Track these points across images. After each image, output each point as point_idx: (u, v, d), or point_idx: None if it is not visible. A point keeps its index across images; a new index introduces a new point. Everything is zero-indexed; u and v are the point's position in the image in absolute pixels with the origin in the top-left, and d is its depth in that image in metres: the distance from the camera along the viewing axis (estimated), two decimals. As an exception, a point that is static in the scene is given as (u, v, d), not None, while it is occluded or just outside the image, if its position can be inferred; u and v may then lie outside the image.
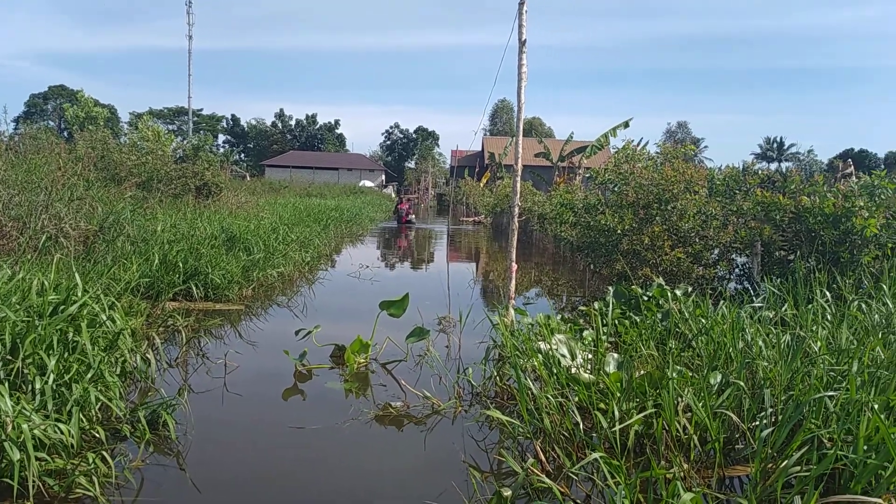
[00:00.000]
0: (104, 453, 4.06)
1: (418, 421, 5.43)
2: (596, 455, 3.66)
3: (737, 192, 10.21)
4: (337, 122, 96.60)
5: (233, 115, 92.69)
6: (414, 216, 33.84)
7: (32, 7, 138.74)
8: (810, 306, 6.21)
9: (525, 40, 7.56)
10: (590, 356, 5.66)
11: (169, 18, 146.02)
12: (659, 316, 6.91)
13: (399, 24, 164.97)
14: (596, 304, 7.15)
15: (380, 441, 5.09)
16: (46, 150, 12.14)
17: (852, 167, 13.66)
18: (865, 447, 3.57)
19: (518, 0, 7.54)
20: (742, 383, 4.51)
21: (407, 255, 20.72)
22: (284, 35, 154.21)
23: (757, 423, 4.20)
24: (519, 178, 7.93)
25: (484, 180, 47.00)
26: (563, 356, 5.53)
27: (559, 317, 7.26)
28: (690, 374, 4.92)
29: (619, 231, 9.78)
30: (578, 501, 3.88)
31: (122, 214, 10.43)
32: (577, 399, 4.83)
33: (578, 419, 4.51)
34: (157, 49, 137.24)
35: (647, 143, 17.02)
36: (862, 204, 8.10)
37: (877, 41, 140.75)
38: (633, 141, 12.17)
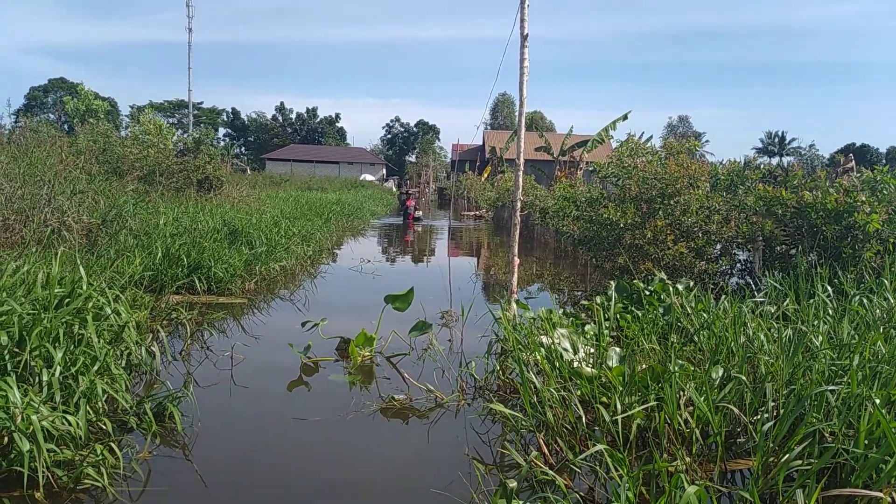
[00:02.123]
0: (112, 444, 4.10)
1: (421, 414, 5.46)
2: (600, 447, 3.70)
3: (739, 186, 10.22)
4: (338, 115, 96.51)
5: (233, 109, 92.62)
6: (421, 212, 33.56)
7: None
8: (812, 301, 6.24)
9: (527, 34, 7.56)
10: (592, 350, 5.69)
11: (169, 11, 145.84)
12: (661, 310, 6.94)
13: (400, 17, 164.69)
14: (598, 299, 7.18)
15: (384, 433, 5.13)
16: (48, 143, 12.14)
17: (853, 162, 13.67)
18: (867, 441, 3.60)
19: (521, -6, 7.53)
20: (744, 377, 4.54)
21: (409, 249, 20.74)
22: (285, 28, 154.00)
23: (758, 416, 4.22)
24: (521, 172, 7.94)
25: (485, 174, 47.03)
26: (566, 350, 5.56)
27: (561, 311, 7.29)
28: (692, 368, 4.95)
29: (621, 225, 9.80)
30: (581, 493, 3.91)
31: (125, 208, 10.46)
32: (579, 393, 4.86)
33: (581, 412, 4.55)
34: (157, 42, 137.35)
35: (651, 137, 17.07)
36: (864, 199, 8.11)
37: (878, 36, 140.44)
38: (635, 135, 12.15)
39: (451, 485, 4.12)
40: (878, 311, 5.94)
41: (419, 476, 4.46)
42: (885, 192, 8.73)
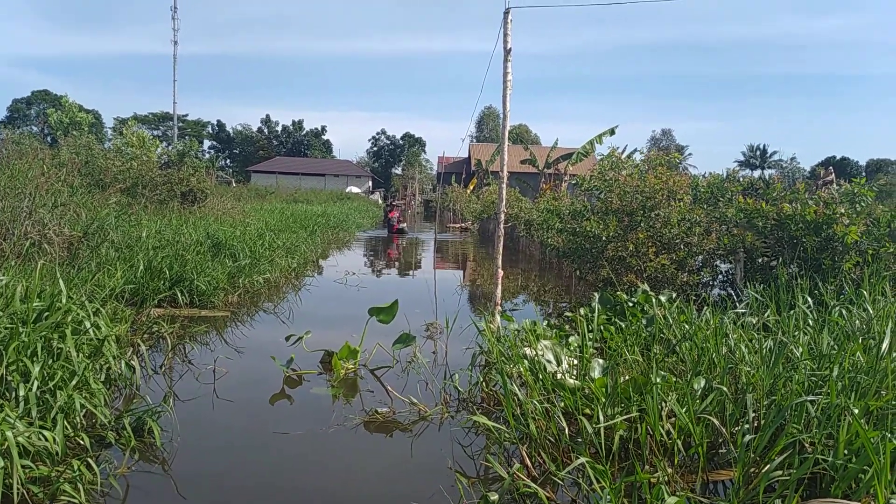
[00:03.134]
0: (89, 460, 4.04)
1: (405, 427, 5.44)
2: (582, 460, 3.70)
3: (720, 199, 10.33)
4: (324, 128, 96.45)
5: (218, 121, 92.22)
6: (405, 224, 32.92)
7: (13, 11, 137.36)
8: (792, 312, 6.30)
9: (510, 49, 7.62)
10: (575, 362, 5.70)
11: (154, 23, 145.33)
12: (644, 322, 6.97)
13: (386, 30, 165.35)
14: (581, 310, 7.20)
15: (367, 447, 5.10)
16: (30, 155, 12.03)
17: (833, 175, 13.86)
18: (846, 451, 3.63)
19: (504, 9, 7.60)
20: (725, 388, 4.56)
21: (394, 262, 20.71)
22: (271, 41, 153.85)
23: (739, 427, 4.25)
24: (505, 185, 7.98)
25: (471, 187, 47.16)
26: (549, 362, 5.56)
27: (545, 323, 7.30)
28: (674, 379, 4.97)
29: (604, 237, 9.85)
30: (564, 506, 3.91)
31: (107, 220, 10.36)
32: (562, 405, 4.86)
33: (564, 424, 4.55)
34: (142, 54, 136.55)
35: (634, 150, 17.16)
36: (843, 211, 8.22)
37: (860, 50, 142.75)
38: (617, 148, 12.25)
39: (432, 497, 4.10)
40: (857, 321, 6.01)
41: (402, 489, 4.43)
42: (863, 204, 8.86)
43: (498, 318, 7.41)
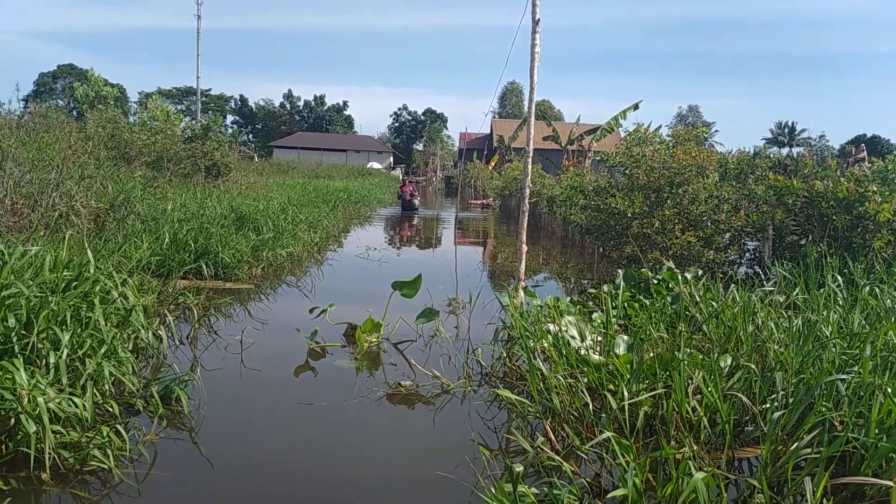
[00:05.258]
0: (118, 427, 4.10)
1: (427, 400, 5.46)
2: (608, 434, 3.68)
3: (749, 176, 10.14)
4: (345, 103, 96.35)
5: (241, 96, 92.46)
6: (418, 199, 29.84)
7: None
8: (822, 290, 6.19)
9: (538, 19, 7.49)
10: (599, 338, 5.66)
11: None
12: (669, 299, 6.89)
13: (410, 5, 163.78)
14: (605, 287, 7.14)
15: (390, 419, 5.13)
16: (57, 128, 12.14)
17: (864, 152, 13.54)
18: (877, 430, 3.57)
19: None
20: (753, 366, 4.51)
21: (414, 238, 20.72)
22: (293, 15, 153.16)
23: (767, 405, 4.20)
24: (531, 159, 7.89)
25: (492, 163, 46.88)
26: (573, 338, 5.53)
27: (568, 299, 7.26)
28: (701, 356, 4.91)
29: (629, 214, 9.74)
30: (588, 479, 3.90)
31: (133, 193, 10.46)
32: (586, 380, 4.84)
33: (588, 400, 4.53)
34: (166, 28, 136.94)
35: (660, 126, 16.85)
36: (875, 189, 8.03)
37: (890, 27, 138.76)
38: (643, 124, 12.05)
39: (456, 469, 4.11)
40: (888, 300, 5.88)
41: (425, 460, 4.46)
42: (896, 181, 8.65)
43: (521, 293, 7.38)
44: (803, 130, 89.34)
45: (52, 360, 4.28)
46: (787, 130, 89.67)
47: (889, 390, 3.63)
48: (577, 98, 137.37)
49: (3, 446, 3.89)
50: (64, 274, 5.20)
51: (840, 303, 6.00)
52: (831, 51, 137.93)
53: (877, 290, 6.06)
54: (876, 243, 7.90)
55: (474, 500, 3.70)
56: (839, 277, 6.51)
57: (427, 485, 4.09)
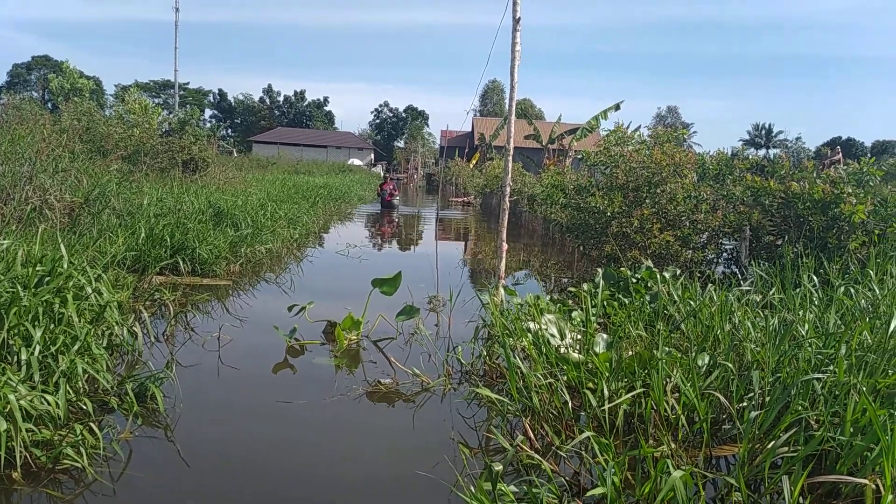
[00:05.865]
0: (92, 425, 4.03)
1: (408, 398, 5.43)
2: (587, 434, 3.68)
3: (727, 176, 10.24)
4: (326, 99, 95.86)
5: (220, 90, 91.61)
6: (398, 198, 29.54)
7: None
8: (798, 290, 6.26)
9: (519, 18, 7.48)
10: (579, 336, 5.68)
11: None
12: (647, 298, 6.94)
13: (391, 2, 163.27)
14: (585, 286, 7.17)
15: (369, 417, 5.10)
16: (30, 120, 11.93)
17: (840, 154, 13.75)
18: (852, 429, 3.61)
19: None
20: (730, 365, 4.54)
21: (396, 235, 20.66)
22: (273, 9, 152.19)
23: (745, 404, 4.23)
24: (511, 158, 7.89)
25: (473, 161, 46.87)
26: (553, 336, 5.54)
27: (548, 297, 7.27)
28: (679, 355, 4.94)
29: (608, 213, 9.78)
30: (567, 478, 3.90)
31: (108, 187, 10.30)
32: (566, 378, 4.85)
33: (567, 398, 4.54)
34: (144, 20, 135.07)
35: (640, 126, 16.97)
36: (850, 190, 8.15)
37: (866, 31, 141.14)
38: (623, 124, 12.11)
39: (436, 467, 4.10)
40: (863, 301, 5.97)
41: (404, 459, 4.44)
42: (871, 184, 8.78)
43: (501, 291, 7.38)
44: (780, 132, 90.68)
45: (23, 357, 4.20)
46: (763, 132, 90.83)
47: (864, 389, 3.67)
48: (558, 97, 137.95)
49: (-27, 445, 3.80)
50: (36, 269, 5.10)
51: (816, 303, 6.07)
52: (810, 54, 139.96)
53: (851, 290, 6.15)
54: (851, 244, 8.01)
55: (454, 499, 3.68)
56: (815, 277, 6.59)
57: (407, 484, 4.07)
